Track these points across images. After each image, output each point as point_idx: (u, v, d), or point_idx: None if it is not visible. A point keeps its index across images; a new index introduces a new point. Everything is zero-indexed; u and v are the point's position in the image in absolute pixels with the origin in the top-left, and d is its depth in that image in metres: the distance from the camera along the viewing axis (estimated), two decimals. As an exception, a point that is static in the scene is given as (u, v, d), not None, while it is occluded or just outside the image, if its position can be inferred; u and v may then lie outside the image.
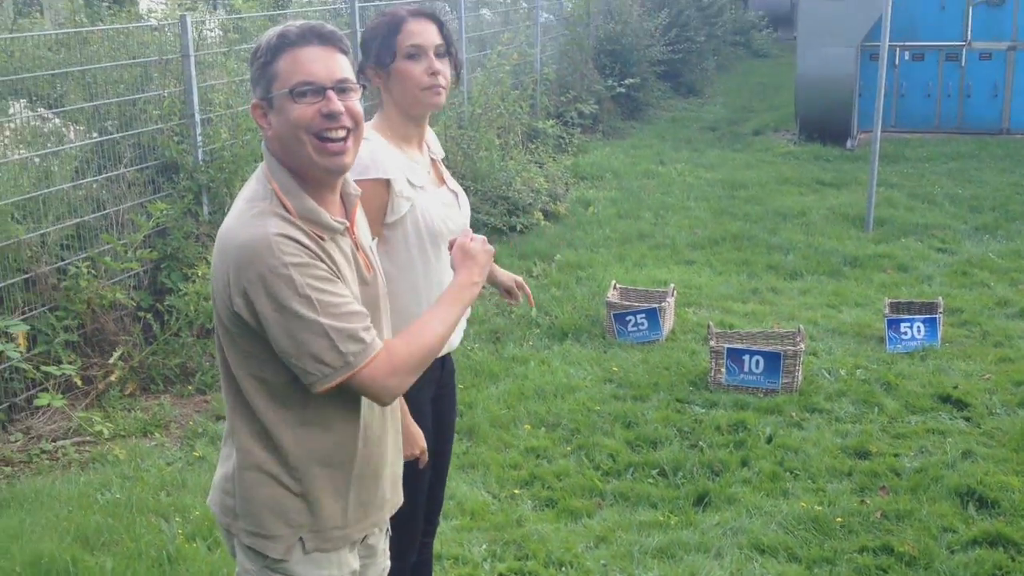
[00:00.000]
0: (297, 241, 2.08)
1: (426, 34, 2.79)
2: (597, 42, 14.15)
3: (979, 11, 12.52)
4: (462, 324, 3.06)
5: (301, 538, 2.23)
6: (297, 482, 2.21)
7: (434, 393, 3.06)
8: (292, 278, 2.05)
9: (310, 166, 2.15)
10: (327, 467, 2.23)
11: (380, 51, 2.80)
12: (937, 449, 4.92)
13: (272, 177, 2.17)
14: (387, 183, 2.77)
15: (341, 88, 2.15)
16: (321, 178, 2.18)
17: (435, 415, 3.07)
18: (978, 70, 12.72)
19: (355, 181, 2.44)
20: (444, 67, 2.81)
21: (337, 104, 2.12)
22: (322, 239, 2.14)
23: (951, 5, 12.57)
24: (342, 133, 2.15)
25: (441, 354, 2.95)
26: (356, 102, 2.18)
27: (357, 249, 2.27)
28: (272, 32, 2.16)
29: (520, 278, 3.35)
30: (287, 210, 2.13)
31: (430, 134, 3.06)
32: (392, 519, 2.55)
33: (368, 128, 2.84)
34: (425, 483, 3.04)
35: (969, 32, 12.58)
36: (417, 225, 2.84)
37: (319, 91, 2.12)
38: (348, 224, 2.23)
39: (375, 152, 2.76)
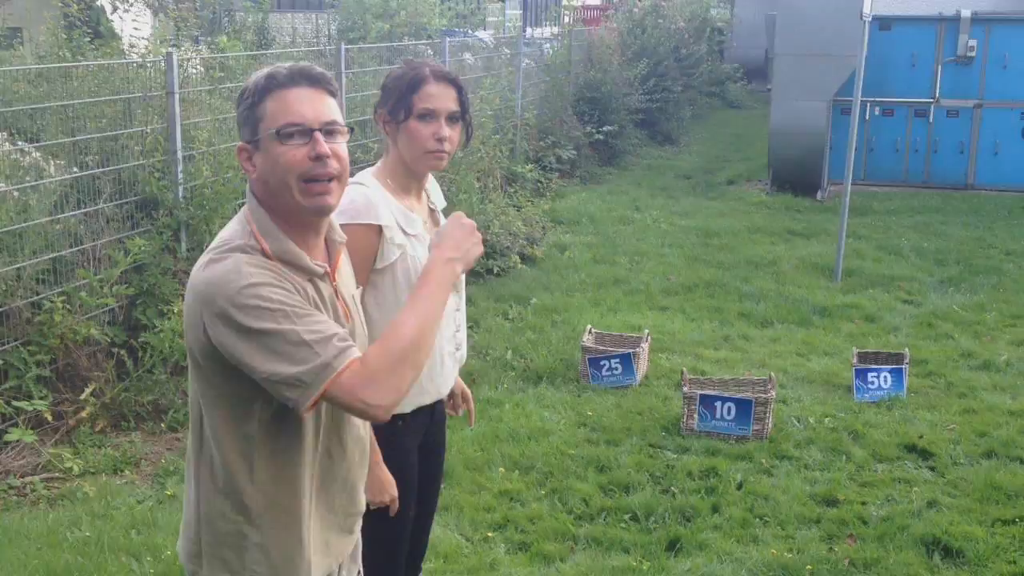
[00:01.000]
0: (266, 269, 2.05)
1: (443, 99, 2.81)
2: (577, 89, 14.35)
3: (948, 69, 12.83)
4: (454, 368, 3.07)
5: None
6: (256, 530, 2.17)
7: (421, 441, 3.05)
8: (260, 295, 1.99)
9: (296, 210, 2.12)
10: (286, 514, 2.19)
11: (396, 105, 2.82)
12: (903, 498, 5.00)
13: (252, 219, 2.15)
14: (379, 229, 2.79)
15: (328, 131, 2.10)
16: (306, 220, 2.16)
17: (422, 463, 3.06)
18: (945, 127, 13.02)
19: (348, 225, 2.46)
20: (453, 133, 2.84)
21: (324, 147, 2.07)
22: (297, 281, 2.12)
23: (921, 63, 12.89)
24: (329, 176, 2.10)
25: (431, 401, 2.97)
26: (343, 146, 2.16)
27: (336, 297, 2.24)
28: (260, 73, 2.12)
29: (469, 392, 3.33)
30: (264, 252, 2.10)
31: (433, 184, 3.09)
32: (373, 566, 2.54)
33: (367, 174, 2.89)
34: (407, 531, 3.03)
35: (938, 89, 12.89)
36: (407, 273, 2.85)
37: (306, 133, 2.07)
38: (328, 268, 2.21)
39: (370, 198, 2.79)
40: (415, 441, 3.00)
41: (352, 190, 2.77)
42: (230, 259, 2.05)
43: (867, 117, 12.89)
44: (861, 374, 6.38)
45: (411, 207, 2.92)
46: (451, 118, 2.83)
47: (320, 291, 2.17)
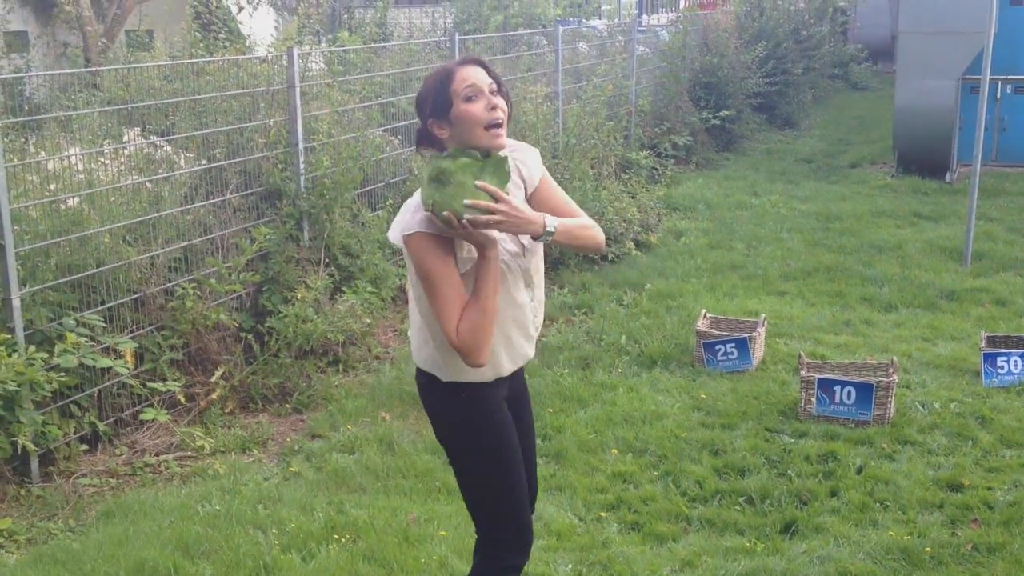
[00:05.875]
0: None
1: (478, 76, 2.89)
2: (693, 74, 14.19)
3: (1085, 43, 12.22)
4: (530, 345, 3.17)
5: None
6: None
7: (506, 394, 3.19)
8: None
9: None
10: None
11: (436, 103, 2.89)
12: (1033, 484, 4.82)
13: None
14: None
15: None
16: None
17: (512, 410, 3.20)
18: (1083, 103, 12.40)
19: (422, 235, 2.77)
20: (500, 102, 2.90)
21: None
22: None
23: (1056, 37, 12.30)
24: None
25: (514, 370, 3.14)
26: None
27: None
28: None
29: None
30: None
31: (529, 157, 3.11)
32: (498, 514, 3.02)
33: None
34: (522, 476, 3.17)
35: (1075, 65, 12.28)
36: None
37: None
38: None
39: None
40: (502, 393, 3.15)
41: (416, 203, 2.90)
42: None
43: (998, 96, 12.37)
44: (990, 358, 6.16)
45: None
46: (493, 90, 2.91)
47: None
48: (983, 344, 6.34)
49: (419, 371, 3.15)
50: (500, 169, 2.82)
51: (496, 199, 2.78)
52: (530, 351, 3.16)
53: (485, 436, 3.09)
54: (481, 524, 3.22)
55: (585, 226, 3.08)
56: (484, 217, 2.76)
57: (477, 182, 2.76)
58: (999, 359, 6.14)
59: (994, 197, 10.95)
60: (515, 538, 3.18)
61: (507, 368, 3.09)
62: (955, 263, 8.70)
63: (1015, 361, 6.12)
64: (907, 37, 12.11)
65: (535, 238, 2.93)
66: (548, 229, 2.90)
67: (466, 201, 2.74)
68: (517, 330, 3.06)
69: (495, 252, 2.86)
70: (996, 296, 7.83)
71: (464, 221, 2.75)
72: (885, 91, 19.33)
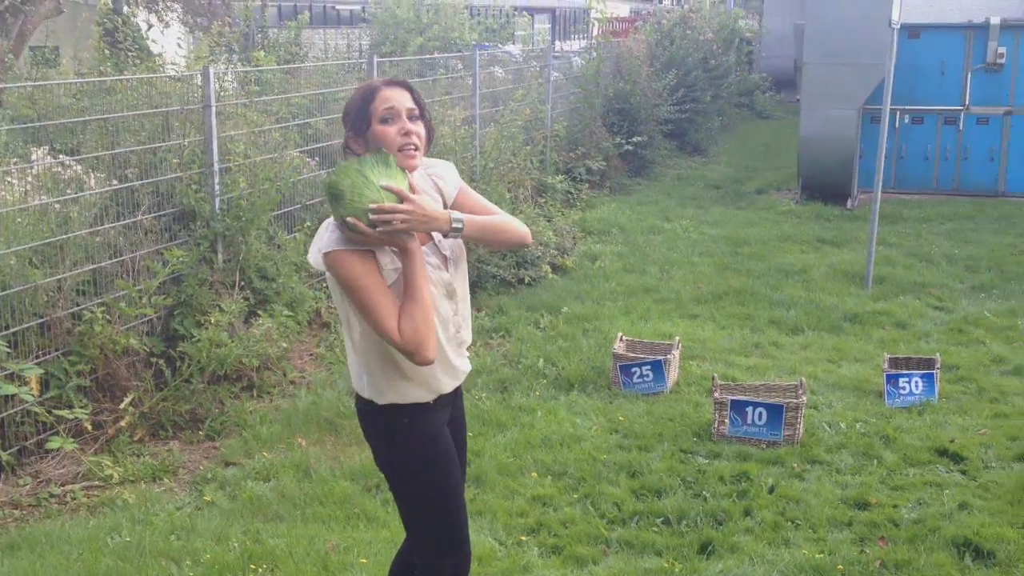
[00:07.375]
0: None
1: (399, 99, 2.94)
2: (606, 100, 14.41)
3: (978, 77, 12.79)
4: (462, 359, 3.17)
5: None
6: None
7: (449, 419, 3.22)
8: None
9: None
10: None
11: (357, 119, 2.95)
12: (935, 501, 5.01)
13: None
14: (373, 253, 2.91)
15: None
16: None
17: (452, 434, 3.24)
18: (975, 134, 12.98)
19: (342, 252, 2.78)
20: (417, 128, 2.95)
21: None
22: None
23: (951, 70, 12.86)
24: None
25: (454, 387, 3.15)
26: None
27: None
28: None
29: None
30: None
31: (445, 171, 3.15)
32: (439, 538, 3.04)
33: None
34: (463, 498, 3.23)
35: (968, 97, 12.85)
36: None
37: None
38: None
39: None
40: (444, 418, 3.17)
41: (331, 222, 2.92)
42: None
43: (897, 125, 12.86)
44: (892, 379, 6.38)
45: None
46: (412, 116, 2.96)
47: None
48: (886, 365, 6.56)
49: (358, 398, 3.14)
50: (384, 161, 2.85)
51: (401, 199, 2.81)
52: (463, 365, 3.16)
53: (426, 464, 3.08)
54: (419, 548, 3.22)
55: (501, 221, 3.10)
56: (389, 216, 2.78)
57: (382, 183, 2.80)
58: (901, 380, 6.37)
59: (893, 223, 11.36)
60: (452, 564, 3.19)
61: (446, 384, 3.10)
62: (857, 287, 8.99)
63: (916, 382, 6.35)
64: (811, 67, 12.52)
65: (444, 235, 2.95)
66: (455, 224, 2.92)
67: (370, 206, 2.77)
68: (445, 342, 3.06)
69: (415, 244, 2.88)
70: (896, 319, 8.11)
71: (371, 219, 2.77)
72: (788, 119, 19.91)
